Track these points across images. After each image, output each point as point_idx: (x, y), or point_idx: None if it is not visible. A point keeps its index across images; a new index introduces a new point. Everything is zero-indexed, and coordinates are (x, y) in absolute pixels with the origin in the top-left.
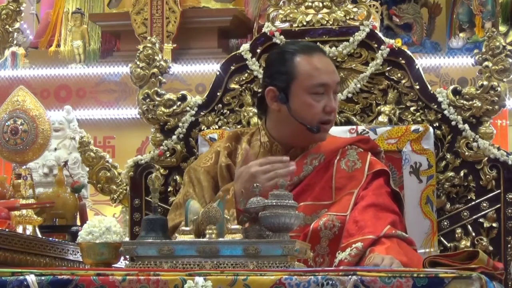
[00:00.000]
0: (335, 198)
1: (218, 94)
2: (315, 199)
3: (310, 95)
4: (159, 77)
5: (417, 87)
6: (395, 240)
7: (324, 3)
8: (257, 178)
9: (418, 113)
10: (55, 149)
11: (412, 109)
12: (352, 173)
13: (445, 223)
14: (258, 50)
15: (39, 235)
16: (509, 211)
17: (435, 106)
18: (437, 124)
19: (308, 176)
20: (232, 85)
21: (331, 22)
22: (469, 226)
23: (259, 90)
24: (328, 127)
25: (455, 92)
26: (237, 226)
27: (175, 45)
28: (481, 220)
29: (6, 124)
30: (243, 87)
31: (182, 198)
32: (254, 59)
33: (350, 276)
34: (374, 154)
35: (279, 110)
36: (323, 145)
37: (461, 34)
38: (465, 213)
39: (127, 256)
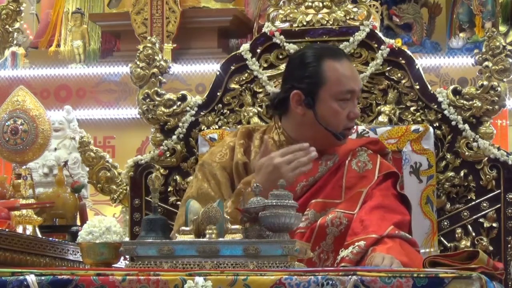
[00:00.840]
0: (345, 197)
1: (218, 94)
2: (325, 197)
3: (337, 102)
4: (159, 77)
5: (417, 87)
6: (398, 241)
7: (324, 3)
8: (281, 169)
9: (418, 113)
10: (55, 149)
11: (412, 109)
12: (363, 173)
13: (445, 223)
14: (258, 50)
15: (39, 235)
16: (509, 211)
17: (435, 106)
18: (437, 124)
19: (322, 177)
20: (232, 85)
21: (331, 22)
22: (469, 226)
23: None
24: (350, 133)
25: (455, 92)
26: (237, 226)
27: (175, 45)
28: (481, 220)
29: (6, 124)
30: (243, 87)
31: (196, 192)
32: (254, 59)
33: (350, 276)
34: (382, 155)
35: (303, 114)
36: (337, 147)
37: (461, 34)
38: (465, 213)
39: (127, 256)
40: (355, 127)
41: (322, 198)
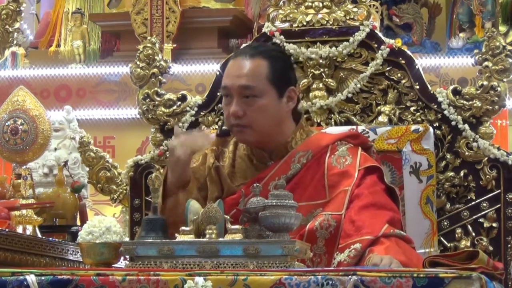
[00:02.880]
0: (329, 196)
1: (218, 94)
2: (308, 199)
3: (224, 99)
4: (159, 77)
5: (417, 87)
6: (394, 239)
7: (324, 3)
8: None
9: (418, 113)
10: (55, 149)
11: (412, 109)
12: (343, 169)
13: (445, 223)
14: None
15: (39, 235)
16: (509, 211)
17: (435, 106)
18: (437, 124)
19: (297, 174)
20: None
21: (331, 22)
22: (469, 226)
23: None
24: (240, 130)
25: (455, 92)
26: (237, 226)
27: (175, 45)
28: (481, 220)
29: (6, 124)
30: None
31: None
32: None
33: (350, 276)
34: (365, 149)
35: None
36: (310, 142)
37: (461, 34)
38: (465, 213)
39: (127, 256)
40: (355, 127)
41: (305, 200)
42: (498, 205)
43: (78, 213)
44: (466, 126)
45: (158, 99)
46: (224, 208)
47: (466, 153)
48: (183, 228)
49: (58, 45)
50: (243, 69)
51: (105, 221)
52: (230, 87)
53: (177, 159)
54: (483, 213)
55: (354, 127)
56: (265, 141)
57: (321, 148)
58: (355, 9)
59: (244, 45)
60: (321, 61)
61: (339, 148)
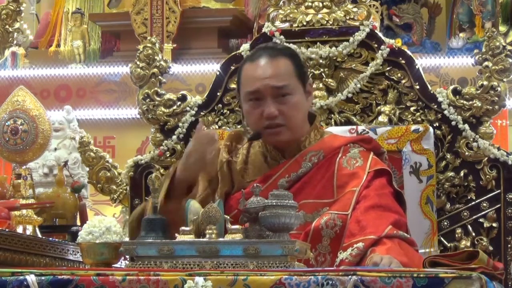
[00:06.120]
0: (337, 196)
1: (218, 94)
2: (316, 197)
3: (248, 103)
4: (159, 77)
5: (417, 87)
6: (396, 241)
7: (324, 3)
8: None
9: (418, 113)
10: (55, 149)
11: (412, 109)
12: (353, 170)
13: (445, 223)
14: None
15: (39, 235)
16: (509, 211)
17: (435, 106)
18: (437, 124)
19: (308, 173)
20: (232, 85)
21: (331, 22)
22: (469, 226)
23: None
24: (275, 131)
25: (455, 92)
26: (237, 226)
27: (175, 45)
28: (481, 220)
29: (6, 124)
30: None
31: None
32: None
33: (350, 276)
34: (377, 154)
35: None
36: (323, 142)
37: (461, 34)
38: (465, 213)
39: (127, 256)
40: (355, 127)
41: (313, 198)
42: (498, 205)
43: (78, 213)
44: (466, 126)
45: (158, 99)
46: (232, 204)
47: (466, 153)
48: (183, 228)
49: (58, 45)
50: (271, 70)
51: (105, 221)
52: (262, 90)
53: (195, 153)
54: (483, 213)
55: (354, 127)
56: (297, 137)
57: (333, 149)
58: (355, 9)
59: (244, 44)
60: (321, 61)
61: (351, 150)
